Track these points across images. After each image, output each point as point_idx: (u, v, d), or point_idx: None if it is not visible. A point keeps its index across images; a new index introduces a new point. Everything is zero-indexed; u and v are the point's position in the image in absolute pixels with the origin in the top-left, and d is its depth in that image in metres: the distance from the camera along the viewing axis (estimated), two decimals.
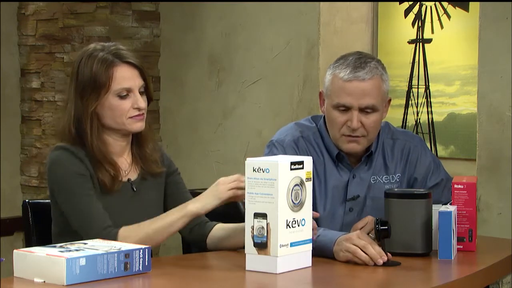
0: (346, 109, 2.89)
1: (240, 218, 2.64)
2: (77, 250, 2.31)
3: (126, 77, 2.72)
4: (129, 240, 2.54)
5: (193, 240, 2.87)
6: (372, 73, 2.87)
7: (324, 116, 3.01)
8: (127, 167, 2.79)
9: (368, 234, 2.78)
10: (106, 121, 2.72)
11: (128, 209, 2.74)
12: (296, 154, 2.92)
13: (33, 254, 2.30)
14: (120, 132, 2.75)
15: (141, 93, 2.76)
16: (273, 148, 2.98)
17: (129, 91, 2.72)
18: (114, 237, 2.58)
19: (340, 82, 2.89)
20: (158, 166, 2.84)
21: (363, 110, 2.88)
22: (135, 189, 2.78)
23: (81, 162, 2.69)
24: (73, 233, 2.68)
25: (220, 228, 2.82)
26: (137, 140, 2.81)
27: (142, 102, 2.73)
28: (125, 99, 2.71)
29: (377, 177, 3.00)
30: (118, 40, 5.10)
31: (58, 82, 5.16)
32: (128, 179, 2.78)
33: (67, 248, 2.34)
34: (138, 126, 2.74)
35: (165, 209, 2.79)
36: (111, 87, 2.69)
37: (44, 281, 2.25)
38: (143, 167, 2.81)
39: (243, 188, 2.53)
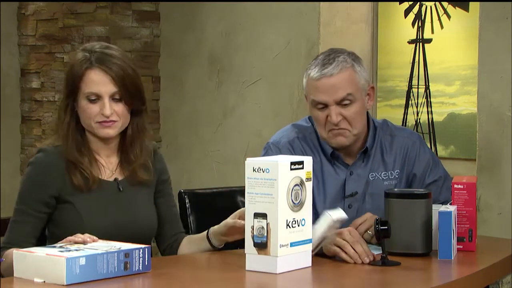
0: (324, 106, 2.93)
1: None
2: (77, 250, 2.31)
3: (95, 81, 2.69)
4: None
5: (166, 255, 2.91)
6: (340, 67, 2.91)
7: None
8: (113, 168, 2.78)
9: (366, 231, 2.80)
10: (81, 121, 2.73)
11: (113, 208, 2.72)
12: (292, 155, 2.94)
13: (33, 254, 2.30)
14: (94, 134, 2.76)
15: (115, 100, 2.71)
16: (269, 150, 3.02)
17: (98, 96, 2.69)
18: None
19: (312, 82, 2.94)
20: (145, 173, 2.80)
21: (340, 103, 2.92)
22: (121, 189, 2.76)
23: (50, 179, 2.71)
24: (51, 238, 2.71)
25: (187, 243, 2.83)
26: (123, 143, 2.79)
27: (107, 110, 2.68)
28: (94, 103, 2.69)
29: (376, 173, 3.01)
30: (118, 40, 5.12)
31: (58, 82, 5.16)
32: (115, 179, 2.77)
33: (67, 248, 2.34)
34: (105, 132, 2.71)
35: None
36: (82, 89, 2.69)
37: (44, 281, 2.25)
38: (130, 171, 2.78)
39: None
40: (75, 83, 2.70)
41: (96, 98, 2.69)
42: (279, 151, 2.98)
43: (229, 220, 2.68)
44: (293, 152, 2.98)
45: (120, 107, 2.72)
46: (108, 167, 2.77)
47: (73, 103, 2.72)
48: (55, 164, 2.71)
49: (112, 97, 2.70)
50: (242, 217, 2.63)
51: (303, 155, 2.94)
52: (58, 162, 2.71)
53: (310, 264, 2.50)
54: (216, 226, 2.72)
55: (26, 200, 2.77)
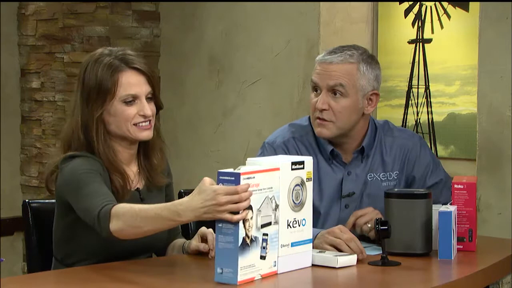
0: (318, 90, 2.96)
1: None
2: None
3: (132, 83, 2.67)
4: (119, 221, 2.44)
5: None
6: (343, 58, 2.94)
7: None
8: (133, 176, 2.75)
9: (366, 223, 2.80)
10: (111, 128, 2.67)
11: None
12: (286, 155, 2.95)
13: None
14: (126, 139, 2.70)
15: (148, 99, 2.71)
16: (264, 150, 3.04)
17: (135, 97, 2.67)
18: (107, 214, 2.45)
19: (315, 65, 2.99)
20: (164, 177, 2.81)
21: (332, 92, 2.93)
22: (142, 199, 2.74)
23: (98, 162, 2.65)
24: (71, 240, 2.68)
25: (171, 249, 2.84)
26: (144, 150, 2.77)
27: (148, 109, 2.68)
28: (131, 105, 2.66)
29: (374, 174, 3.02)
30: (118, 40, 5.12)
31: (58, 82, 5.16)
32: (137, 188, 2.75)
33: None
34: (144, 135, 2.70)
35: None
36: (116, 93, 2.64)
37: None
38: (149, 178, 2.77)
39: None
40: (108, 89, 2.63)
41: (132, 100, 2.66)
42: (274, 151, 2.99)
43: (193, 242, 2.69)
44: (287, 152, 2.99)
45: (153, 107, 2.73)
46: (130, 176, 2.73)
47: (102, 111, 2.65)
48: (96, 163, 2.65)
49: (146, 97, 2.70)
50: (203, 237, 2.66)
51: (298, 155, 2.95)
52: (97, 163, 2.64)
53: (310, 264, 2.50)
54: (191, 242, 2.72)
55: (85, 178, 2.57)
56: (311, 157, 2.53)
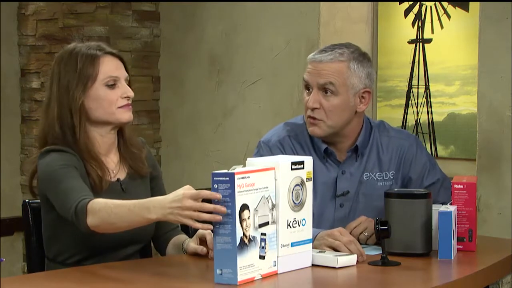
0: (309, 89, 2.97)
1: None
2: None
3: (112, 66, 2.73)
4: (95, 217, 2.46)
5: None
6: (333, 57, 2.95)
7: None
8: (114, 167, 2.78)
9: (361, 233, 2.81)
10: (94, 114, 2.70)
11: None
12: (282, 154, 2.96)
13: None
14: (109, 125, 2.73)
15: (127, 83, 2.77)
16: (260, 149, 3.04)
17: (116, 80, 2.72)
18: (84, 209, 2.48)
19: (307, 64, 3.00)
20: (145, 166, 2.83)
21: (322, 90, 2.94)
22: (124, 189, 2.76)
23: (73, 156, 2.67)
24: (59, 237, 2.69)
25: (172, 246, 2.85)
26: (123, 139, 2.80)
27: (131, 91, 2.74)
28: (112, 88, 2.71)
29: (370, 173, 3.02)
30: (118, 40, 5.13)
31: None
32: (118, 179, 2.77)
33: None
34: (128, 115, 2.74)
35: None
36: (97, 77, 2.69)
37: None
38: (132, 167, 2.80)
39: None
40: (89, 75, 2.68)
41: (113, 84, 2.71)
42: (270, 150, 3.00)
43: (191, 244, 2.70)
44: (283, 151, 2.99)
45: (132, 91, 2.76)
46: (109, 167, 2.77)
47: (83, 98, 2.69)
48: (73, 156, 2.67)
49: (126, 81, 2.76)
50: (202, 238, 2.66)
51: (293, 153, 2.95)
52: (73, 157, 2.67)
53: (310, 264, 2.50)
54: (189, 244, 2.73)
55: (62, 173, 2.61)
56: (311, 157, 2.53)
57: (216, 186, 2.28)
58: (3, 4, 5.26)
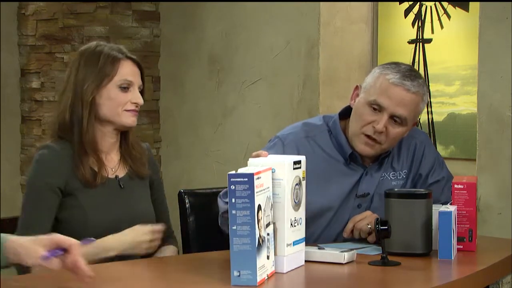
0: (379, 110, 2.89)
1: None
2: None
3: (129, 71, 2.82)
4: None
5: None
6: (417, 89, 2.88)
7: (337, 117, 3.01)
8: (114, 165, 2.84)
9: (366, 224, 2.81)
10: (102, 112, 2.77)
11: (115, 204, 2.77)
12: (295, 153, 2.92)
13: None
14: (113, 125, 2.80)
15: (140, 91, 2.85)
16: (274, 143, 2.98)
17: (130, 85, 2.80)
18: None
19: (385, 83, 2.89)
20: (146, 168, 2.89)
21: (392, 118, 2.89)
22: (122, 186, 2.82)
23: (58, 170, 2.72)
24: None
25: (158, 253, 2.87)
26: (125, 141, 2.87)
27: (141, 99, 2.83)
28: (125, 92, 2.79)
29: (385, 173, 3.02)
30: (118, 40, 5.13)
31: (58, 82, 5.15)
32: (116, 176, 2.82)
33: None
34: (132, 120, 2.81)
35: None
36: (114, 78, 2.77)
37: None
38: (132, 167, 2.86)
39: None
40: (107, 73, 2.77)
41: (127, 87, 2.79)
42: (283, 146, 2.96)
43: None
44: (297, 150, 2.93)
45: (142, 99, 2.85)
46: (109, 165, 2.82)
47: (96, 94, 2.77)
48: (62, 157, 2.75)
49: (138, 89, 2.84)
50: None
51: (309, 154, 2.90)
52: (65, 156, 2.75)
53: (303, 263, 2.50)
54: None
55: (37, 188, 2.75)
56: (304, 157, 2.51)
57: (233, 187, 2.22)
58: (3, 4, 5.27)
